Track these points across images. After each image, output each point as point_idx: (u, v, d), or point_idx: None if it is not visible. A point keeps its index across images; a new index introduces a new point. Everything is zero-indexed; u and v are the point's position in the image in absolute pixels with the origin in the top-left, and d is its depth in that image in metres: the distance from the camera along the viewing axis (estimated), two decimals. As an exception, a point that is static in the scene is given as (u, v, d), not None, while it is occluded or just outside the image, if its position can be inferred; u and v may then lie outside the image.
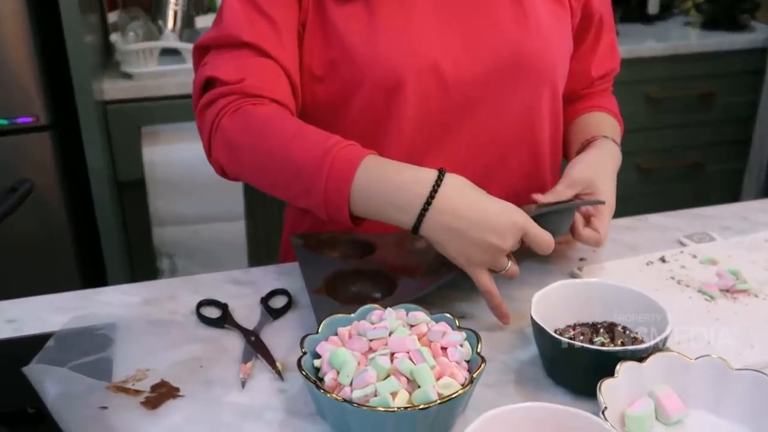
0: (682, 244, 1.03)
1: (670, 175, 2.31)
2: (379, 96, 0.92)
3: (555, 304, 0.79)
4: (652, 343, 0.71)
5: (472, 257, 0.80)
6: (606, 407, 0.64)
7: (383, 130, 0.94)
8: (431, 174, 0.80)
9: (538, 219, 0.83)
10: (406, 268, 0.90)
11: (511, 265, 0.82)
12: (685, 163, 2.30)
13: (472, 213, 0.79)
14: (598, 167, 0.96)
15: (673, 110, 2.24)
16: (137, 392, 0.74)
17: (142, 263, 1.98)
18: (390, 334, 0.71)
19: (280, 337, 0.83)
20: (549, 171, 1.06)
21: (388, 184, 0.80)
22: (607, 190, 0.94)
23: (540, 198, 0.92)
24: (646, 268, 0.96)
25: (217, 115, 0.87)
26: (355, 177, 0.80)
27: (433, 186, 0.79)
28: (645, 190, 2.25)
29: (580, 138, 1.05)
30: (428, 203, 0.79)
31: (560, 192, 0.92)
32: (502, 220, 0.79)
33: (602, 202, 0.92)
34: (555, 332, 0.74)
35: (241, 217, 1.95)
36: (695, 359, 0.71)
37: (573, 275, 0.94)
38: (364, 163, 0.81)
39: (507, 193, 0.91)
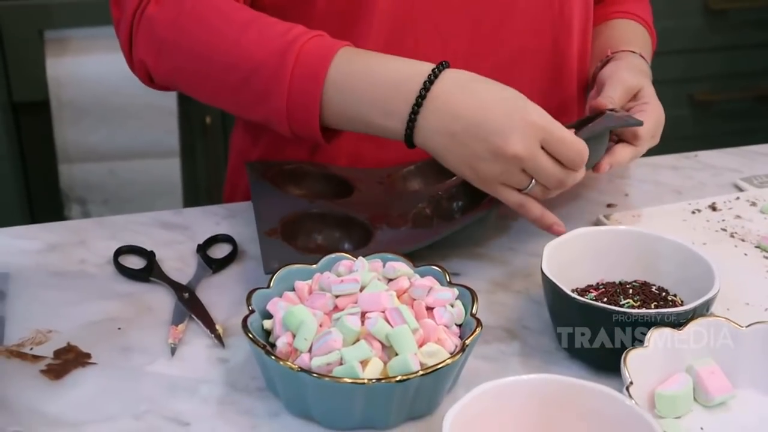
0: (739, 188, 1.05)
1: (733, 110, 2.33)
2: None
3: (573, 257, 0.81)
4: (693, 305, 0.73)
5: (478, 169, 0.80)
6: (631, 382, 0.66)
7: (356, 29, 0.94)
8: (426, 66, 0.81)
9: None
10: (388, 216, 0.92)
11: (534, 184, 0.81)
12: (753, 94, 2.32)
13: (469, 111, 0.79)
14: (641, 73, 0.97)
15: (739, 24, 2.25)
16: (36, 358, 0.75)
17: (45, 210, 1.98)
18: (361, 290, 0.73)
19: (221, 295, 0.84)
20: (576, 94, 1.08)
21: (371, 80, 0.81)
22: (657, 104, 0.95)
23: (595, 103, 0.93)
24: (691, 217, 0.98)
25: (140, 2, 0.87)
26: (328, 73, 0.81)
27: (426, 80, 0.79)
28: (698, 129, 2.27)
29: (600, 51, 1.06)
30: (419, 103, 0.79)
31: (614, 98, 0.93)
32: (508, 117, 0.79)
33: (640, 123, 0.93)
34: (573, 292, 0.76)
35: (175, 153, 1.96)
36: (746, 327, 0.73)
37: (598, 223, 0.96)
38: (338, 55, 0.82)
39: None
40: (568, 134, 0.80)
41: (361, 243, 0.89)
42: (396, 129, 0.81)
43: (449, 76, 0.81)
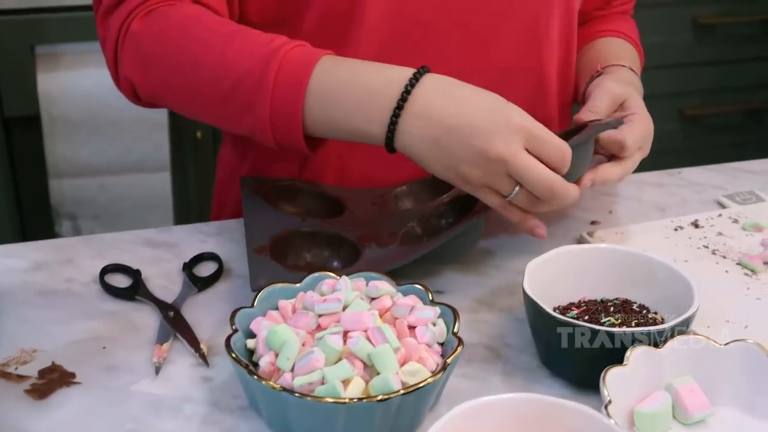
0: (722, 205, 1.06)
1: (722, 124, 2.34)
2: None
3: (556, 275, 0.82)
4: (672, 324, 0.74)
5: (462, 173, 0.81)
6: (610, 401, 0.67)
7: (342, 50, 0.95)
8: (407, 72, 0.81)
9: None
10: (377, 236, 0.92)
11: (519, 192, 0.81)
12: (741, 108, 2.33)
13: (451, 116, 0.80)
14: (629, 85, 0.98)
15: (728, 40, 2.27)
16: (21, 378, 0.75)
17: (35, 226, 1.98)
18: (344, 309, 0.73)
19: (207, 313, 0.85)
20: (557, 109, 1.09)
21: (353, 86, 0.81)
22: (645, 114, 0.96)
23: (577, 117, 0.93)
24: (674, 234, 0.99)
25: (125, 19, 0.88)
26: (310, 81, 0.81)
27: (407, 84, 0.80)
28: (687, 143, 2.28)
29: (590, 67, 1.07)
30: (399, 107, 0.80)
31: (599, 108, 0.94)
32: (490, 120, 0.79)
33: (621, 122, 0.93)
34: (554, 310, 0.77)
35: (166, 168, 1.96)
36: (725, 345, 0.74)
37: (581, 241, 0.97)
38: (321, 62, 0.82)
39: None
40: (550, 135, 0.81)
41: (350, 261, 0.90)
42: (377, 134, 0.82)
43: (430, 80, 0.81)
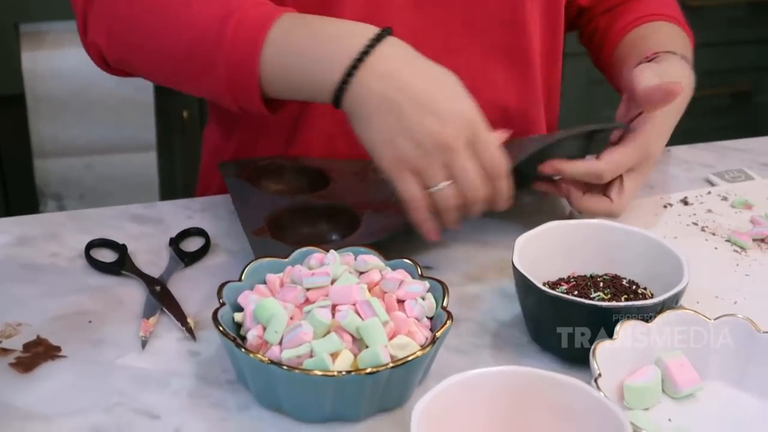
0: (711, 183, 1.06)
1: (710, 107, 2.34)
2: None
3: (545, 251, 0.82)
4: (662, 298, 0.73)
5: (398, 146, 0.78)
6: (600, 374, 0.67)
7: None
8: (371, 28, 0.79)
9: (544, 152, 0.84)
10: (370, 203, 0.91)
11: (446, 186, 0.79)
12: (729, 91, 2.34)
13: (416, 86, 0.77)
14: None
15: (717, 23, 2.27)
16: (5, 351, 0.75)
17: (20, 206, 1.97)
18: (332, 283, 0.73)
19: (193, 288, 0.84)
20: (543, 91, 1.08)
21: (313, 36, 0.80)
22: (648, 132, 0.92)
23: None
24: (663, 211, 0.99)
25: None
26: (267, 36, 0.80)
27: (372, 40, 0.78)
28: (676, 126, 2.28)
29: (634, 59, 1.00)
30: (360, 59, 0.78)
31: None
32: (451, 103, 0.78)
33: (623, 126, 0.92)
34: (544, 286, 0.77)
35: (151, 147, 1.95)
36: (715, 319, 0.74)
37: (570, 217, 0.97)
38: (279, 21, 0.81)
39: (494, 110, 0.92)
40: (494, 139, 0.80)
41: (350, 229, 0.89)
42: (329, 84, 0.79)
43: (394, 42, 0.80)
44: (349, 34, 0.79)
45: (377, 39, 0.79)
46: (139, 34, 0.87)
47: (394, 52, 0.79)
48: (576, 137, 0.91)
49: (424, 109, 0.77)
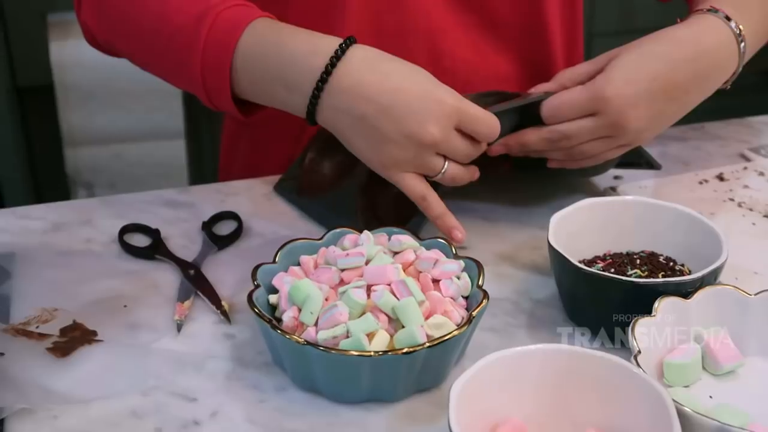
0: (746, 158, 1.05)
1: (741, 85, 2.31)
2: None
3: (581, 228, 0.81)
4: (701, 274, 0.72)
5: (386, 152, 0.77)
6: (639, 351, 0.66)
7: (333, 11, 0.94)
8: (334, 42, 0.78)
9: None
10: None
11: (448, 166, 0.79)
12: (757, 68, 2.30)
13: (381, 93, 0.76)
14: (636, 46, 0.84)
15: None
16: (42, 336, 0.75)
17: (52, 195, 1.98)
18: (367, 263, 0.72)
19: (227, 271, 0.84)
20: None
21: (277, 53, 0.78)
22: (621, 78, 0.81)
23: (540, 88, 0.88)
24: (698, 187, 0.98)
25: None
26: (238, 43, 0.79)
27: (333, 56, 0.77)
28: (706, 104, 2.26)
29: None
30: (323, 80, 0.77)
31: (564, 78, 0.87)
32: (422, 99, 0.76)
33: (543, 97, 0.84)
34: (580, 263, 0.76)
35: (180, 135, 1.96)
36: (755, 294, 0.72)
37: (605, 194, 0.96)
38: (252, 25, 0.80)
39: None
40: (481, 111, 0.78)
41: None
42: (298, 105, 0.79)
43: (357, 53, 0.78)
44: (311, 53, 0.78)
45: (337, 56, 0.77)
46: (123, 24, 0.87)
47: (357, 65, 0.77)
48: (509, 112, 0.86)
49: (397, 114, 0.76)
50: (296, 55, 0.78)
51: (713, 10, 0.86)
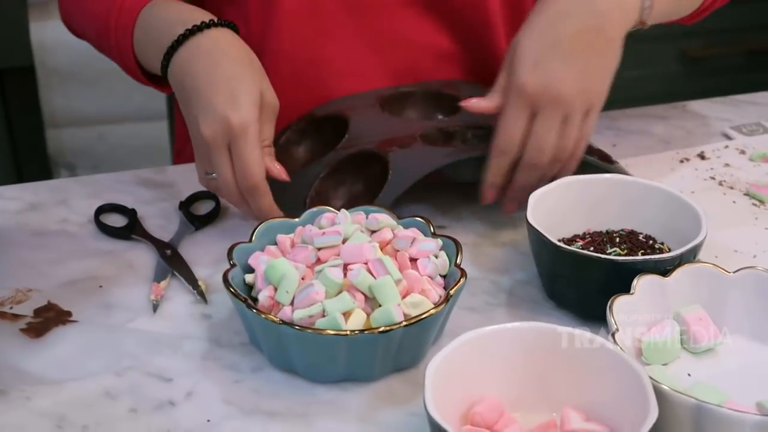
0: (728, 137, 1.05)
1: (725, 65, 2.31)
2: None
3: (560, 207, 0.80)
4: (680, 251, 0.72)
5: (191, 131, 0.81)
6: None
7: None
8: (202, 17, 0.82)
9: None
10: (394, 139, 0.88)
11: (214, 176, 0.80)
12: (743, 48, 2.31)
13: (197, 77, 0.79)
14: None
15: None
16: (16, 317, 0.74)
17: (33, 177, 1.96)
18: (344, 242, 0.72)
19: (204, 251, 0.84)
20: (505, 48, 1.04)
21: (157, 18, 0.85)
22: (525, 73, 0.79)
23: (470, 104, 0.84)
24: (679, 166, 0.97)
25: None
26: (135, 25, 0.85)
27: (191, 28, 0.81)
28: (690, 85, 2.25)
29: None
30: (174, 46, 0.81)
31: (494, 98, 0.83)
32: (214, 101, 0.78)
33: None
34: (559, 242, 0.75)
35: (163, 116, 1.94)
36: (733, 272, 0.72)
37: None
38: (146, 7, 0.86)
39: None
40: (253, 156, 0.77)
41: (381, 177, 0.85)
42: (158, 67, 0.84)
43: (210, 34, 0.81)
44: (179, 23, 0.82)
45: (198, 29, 0.81)
46: (71, 11, 0.96)
47: (205, 44, 0.81)
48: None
49: (197, 104, 0.79)
50: (168, 23, 0.83)
51: None
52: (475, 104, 0.83)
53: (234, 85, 0.78)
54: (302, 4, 0.94)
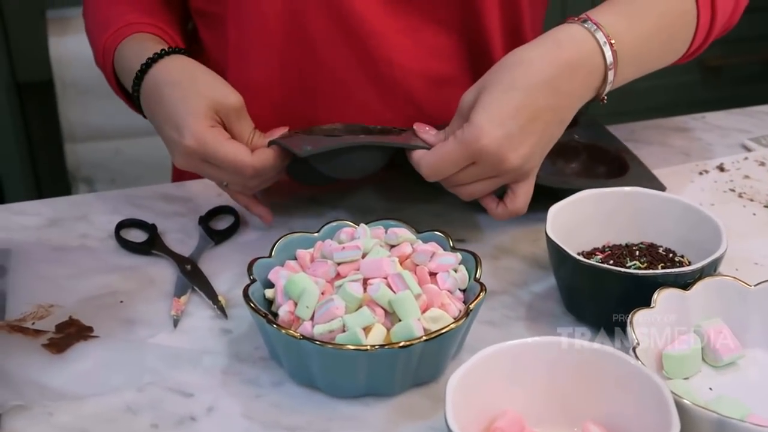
0: (747, 148, 1.04)
1: (743, 74, 2.31)
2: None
3: (579, 220, 0.80)
4: (700, 265, 0.72)
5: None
6: (638, 343, 0.66)
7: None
8: (154, 47, 0.88)
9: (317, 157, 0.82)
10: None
11: (221, 178, 0.85)
12: (761, 57, 2.30)
13: (154, 119, 0.87)
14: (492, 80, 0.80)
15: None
16: (38, 333, 0.75)
17: (52, 191, 1.98)
18: (363, 256, 0.72)
19: (224, 266, 0.84)
20: None
21: (124, 67, 0.90)
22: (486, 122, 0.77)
23: (422, 129, 0.84)
24: (699, 178, 0.97)
25: None
26: (115, 69, 0.92)
27: (140, 69, 0.87)
28: (710, 94, 2.25)
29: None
30: (134, 89, 0.88)
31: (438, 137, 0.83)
32: (171, 137, 0.83)
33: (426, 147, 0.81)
34: (579, 255, 0.75)
35: (179, 130, 1.95)
36: (754, 285, 0.72)
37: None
38: (117, 49, 0.92)
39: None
40: (225, 152, 0.81)
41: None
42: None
43: (155, 69, 0.86)
44: (137, 62, 0.88)
45: (147, 66, 0.87)
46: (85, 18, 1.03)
47: (151, 81, 0.86)
48: (376, 148, 0.84)
49: (164, 140, 0.86)
50: (131, 63, 0.89)
51: (584, 20, 0.81)
52: (426, 131, 0.84)
53: (175, 113, 0.83)
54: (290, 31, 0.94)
